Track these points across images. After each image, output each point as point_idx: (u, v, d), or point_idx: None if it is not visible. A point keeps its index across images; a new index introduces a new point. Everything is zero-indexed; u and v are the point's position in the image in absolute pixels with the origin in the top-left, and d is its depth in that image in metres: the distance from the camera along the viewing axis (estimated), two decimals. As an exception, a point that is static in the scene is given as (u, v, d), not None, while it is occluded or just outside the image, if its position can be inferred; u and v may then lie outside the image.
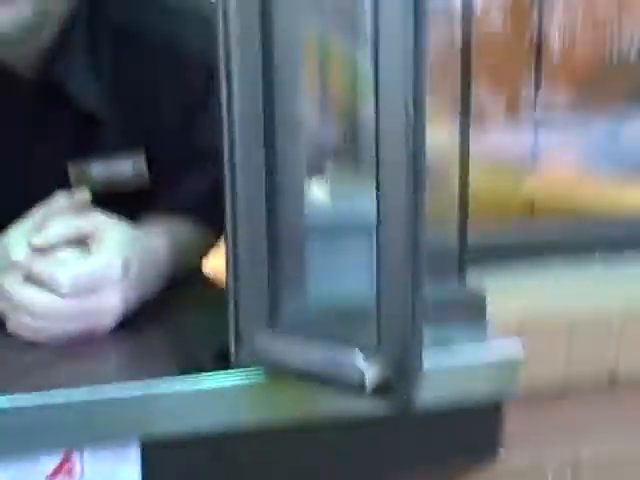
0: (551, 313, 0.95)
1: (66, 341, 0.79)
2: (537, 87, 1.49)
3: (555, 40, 1.60)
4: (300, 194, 0.73)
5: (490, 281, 0.98)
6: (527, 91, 1.49)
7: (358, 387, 0.65)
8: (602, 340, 0.98)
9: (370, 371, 0.65)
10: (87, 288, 0.77)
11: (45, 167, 0.91)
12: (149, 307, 0.86)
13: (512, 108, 1.53)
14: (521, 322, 0.92)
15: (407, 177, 0.64)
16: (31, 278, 0.76)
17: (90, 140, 0.93)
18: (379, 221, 0.66)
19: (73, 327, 0.78)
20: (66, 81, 0.91)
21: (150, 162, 0.95)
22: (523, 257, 1.03)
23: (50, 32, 0.91)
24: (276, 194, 0.71)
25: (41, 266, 0.76)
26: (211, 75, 0.90)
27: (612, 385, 1.01)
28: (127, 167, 0.95)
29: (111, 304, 0.78)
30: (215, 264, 1.00)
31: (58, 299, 0.76)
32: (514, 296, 0.96)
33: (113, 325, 0.81)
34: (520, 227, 1.11)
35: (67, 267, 0.76)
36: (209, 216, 0.96)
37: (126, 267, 0.79)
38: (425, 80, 0.62)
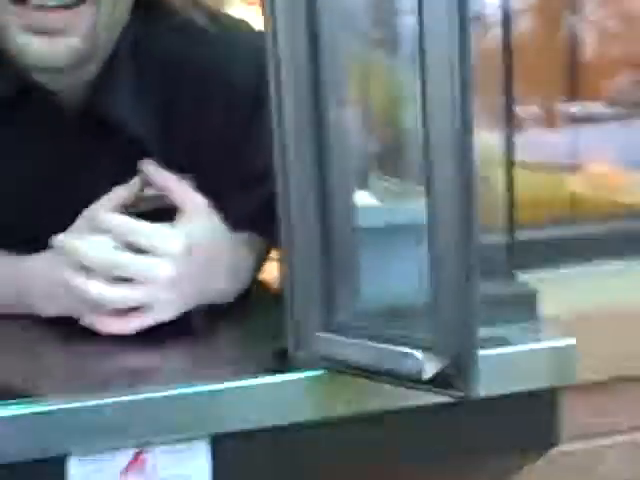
0: (600, 308, 0.97)
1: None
2: (575, 85, 1.51)
3: (591, 38, 1.61)
4: (349, 199, 0.76)
5: (539, 278, 1.00)
6: (565, 90, 1.51)
7: (417, 382, 0.68)
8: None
9: (428, 366, 0.67)
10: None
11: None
12: (213, 309, 0.90)
13: (551, 108, 1.55)
14: (571, 317, 0.94)
15: (458, 177, 0.66)
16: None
17: (137, 169, 0.93)
18: (431, 223, 0.69)
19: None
20: (112, 111, 0.93)
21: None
22: (568, 255, 1.05)
23: (97, 62, 0.92)
24: (327, 201, 0.74)
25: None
26: (256, 102, 0.94)
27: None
28: None
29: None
30: (268, 275, 1.04)
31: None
32: (563, 292, 0.98)
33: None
34: (565, 225, 1.13)
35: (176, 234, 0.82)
36: (261, 232, 0.99)
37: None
38: (471, 84, 0.65)
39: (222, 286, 0.89)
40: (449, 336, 0.68)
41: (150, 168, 0.88)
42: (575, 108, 1.53)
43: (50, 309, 0.87)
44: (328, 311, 0.74)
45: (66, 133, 0.94)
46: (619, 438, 1.06)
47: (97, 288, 0.80)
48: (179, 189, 0.87)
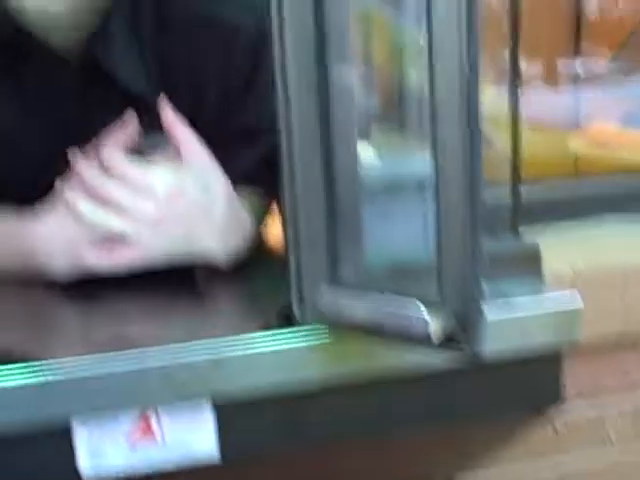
0: (605, 265, 0.97)
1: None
2: (577, 45, 1.50)
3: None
4: (354, 157, 0.75)
5: (543, 236, 1.00)
6: (568, 51, 1.50)
7: (424, 339, 0.68)
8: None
9: (435, 322, 0.67)
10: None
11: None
12: (215, 270, 0.90)
13: (553, 69, 1.54)
14: (575, 275, 0.93)
15: (463, 135, 0.66)
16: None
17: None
18: (437, 179, 0.68)
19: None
20: (112, 64, 0.93)
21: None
22: (574, 213, 1.04)
23: (97, 15, 0.92)
24: (331, 158, 0.73)
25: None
26: (258, 55, 0.93)
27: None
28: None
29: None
30: (272, 232, 1.03)
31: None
32: (567, 250, 0.98)
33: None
34: (570, 183, 1.12)
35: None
36: (262, 187, 0.98)
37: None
38: (478, 40, 0.64)
39: (213, 242, 0.89)
40: (454, 292, 0.68)
41: (163, 105, 0.88)
42: (578, 67, 1.52)
43: (56, 263, 0.88)
44: (333, 268, 0.74)
45: (68, 85, 0.94)
46: (624, 399, 1.06)
47: (87, 207, 0.85)
48: (183, 136, 0.88)
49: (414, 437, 0.86)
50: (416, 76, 0.74)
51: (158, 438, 0.75)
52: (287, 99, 0.73)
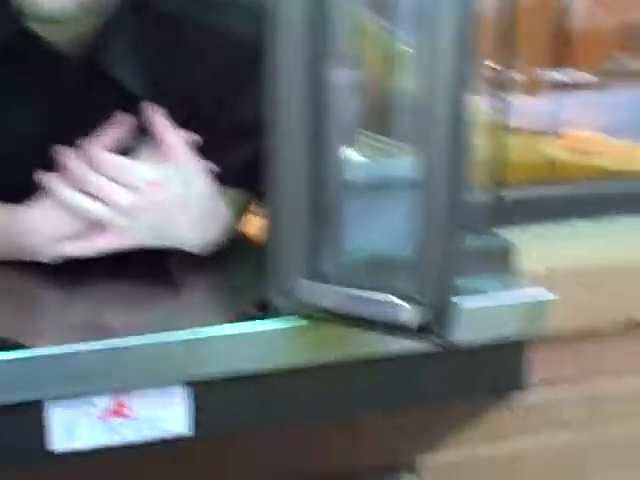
0: (576, 263, 1.02)
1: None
2: (561, 54, 1.53)
3: (578, 5, 1.63)
4: (338, 154, 0.78)
5: (518, 234, 1.04)
6: (551, 59, 1.53)
7: (399, 327, 0.71)
8: (622, 288, 1.04)
9: (411, 311, 0.71)
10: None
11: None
12: (193, 260, 0.93)
13: (535, 77, 1.57)
14: (547, 271, 0.99)
15: (450, 137, 0.69)
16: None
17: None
18: (423, 180, 0.71)
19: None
20: (112, 65, 0.94)
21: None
22: (548, 214, 1.09)
23: (101, 15, 0.93)
24: (316, 152, 0.76)
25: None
26: (249, 60, 0.94)
27: (628, 329, 1.07)
28: None
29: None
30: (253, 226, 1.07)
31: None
32: (541, 247, 1.03)
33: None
34: (546, 186, 1.17)
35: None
36: (247, 185, 1.02)
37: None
38: (470, 45, 0.68)
39: (189, 234, 0.93)
40: (431, 286, 0.72)
41: (144, 106, 0.92)
42: (559, 76, 1.56)
43: (39, 248, 0.92)
44: (312, 260, 0.77)
45: (67, 85, 0.96)
46: (583, 386, 1.12)
47: (68, 191, 0.89)
48: (164, 130, 0.91)
49: (380, 419, 0.89)
50: (404, 82, 0.78)
51: (131, 415, 0.77)
52: (276, 99, 0.76)
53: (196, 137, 0.93)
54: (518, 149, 1.31)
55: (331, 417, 0.85)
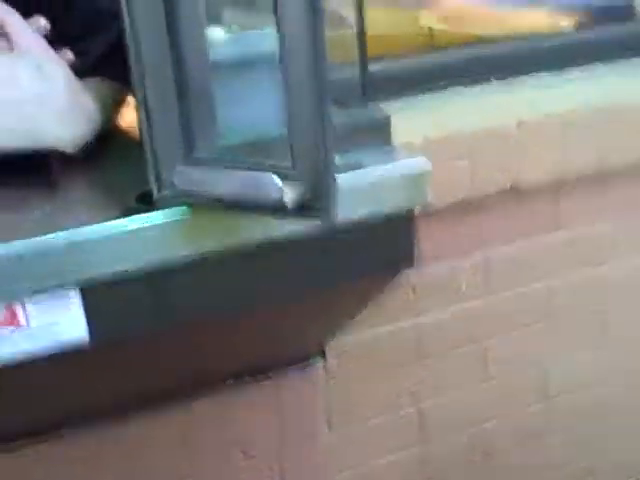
0: (453, 131, 1.01)
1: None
2: None
3: None
4: (201, 37, 0.74)
5: (394, 107, 1.03)
6: None
7: (279, 207, 0.70)
8: (504, 154, 1.05)
9: (289, 190, 0.69)
10: None
11: None
12: (70, 158, 0.88)
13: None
14: (425, 141, 0.98)
15: (306, 9, 0.67)
16: None
17: None
18: (282, 54, 0.69)
19: None
20: None
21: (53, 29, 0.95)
22: (424, 84, 1.08)
23: None
24: (179, 39, 0.73)
25: None
26: None
27: (515, 195, 1.09)
28: None
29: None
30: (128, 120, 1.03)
31: None
32: (417, 118, 1.02)
33: None
34: (420, 56, 1.16)
35: None
36: (111, 76, 0.98)
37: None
38: None
39: (52, 131, 0.87)
40: (306, 162, 0.70)
41: None
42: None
43: None
44: (188, 147, 0.75)
45: None
46: (475, 255, 1.14)
47: None
48: (10, 20, 0.85)
49: (282, 309, 0.89)
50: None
51: (24, 326, 0.75)
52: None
53: (43, 21, 0.87)
54: (391, 21, 1.29)
55: (227, 310, 0.84)
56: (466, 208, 1.06)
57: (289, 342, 1.08)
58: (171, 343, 0.91)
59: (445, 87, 1.09)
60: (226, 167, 0.73)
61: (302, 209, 0.71)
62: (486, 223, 1.11)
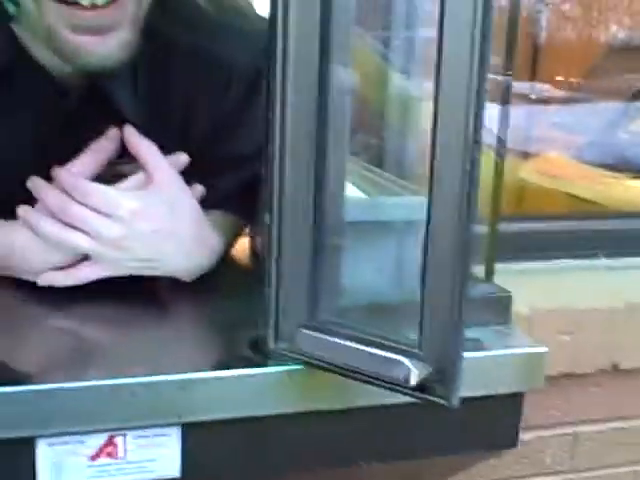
0: (561, 305, 1.00)
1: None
2: (533, 72, 1.52)
3: (552, 23, 1.62)
4: (341, 195, 0.74)
5: (499, 269, 1.02)
6: (523, 75, 1.51)
7: (402, 384, 0.68)
8: (608, 334, 1.03)
9: (415, 369, 0.68)
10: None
11: None
12: (184, 289, 0.90)
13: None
14: (531, 311, 0.97)
15: (461, 179, 0.65)
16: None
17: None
18: (429, 221, 0.67)
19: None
20: (113, 93, 0.92)
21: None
22: (531, 251, 1.08)
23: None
24: (320, 196, 0.73)
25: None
26: (246, 88, 0.94)
27: (615, 375, 1.06)
28: None
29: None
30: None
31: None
32: (526, 286, 1.00)
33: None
34: (525, 221, 1.15)
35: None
36: (238, 210, 1.00)
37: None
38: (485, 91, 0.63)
39: (176, 261, 0.90)
40: (435, 343, 0.68)
41: (128, 131, 0.89)
42: (528, 90, 1.54)
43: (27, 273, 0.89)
44: (313, 305, 0.74)
45: (65, 109, 0.93)
46: (560, 431, 1.11)
47: (50, 226, 0.86)
48: (150, 155, 0.88)
49: (375, 471, 0.87)
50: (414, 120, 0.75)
51: (121, 456, 0.74)
52: (283, 135, 0.72)
53: (184, 157, 0.90)
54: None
55: (321, 465, 0.82)
56: (562, 382, 1.04)
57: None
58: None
59: (553, 257, 1.09)
60: (350, 335, 0.72)
61: (423, 388, 0.69)
62: (580, 398, 1.09)
